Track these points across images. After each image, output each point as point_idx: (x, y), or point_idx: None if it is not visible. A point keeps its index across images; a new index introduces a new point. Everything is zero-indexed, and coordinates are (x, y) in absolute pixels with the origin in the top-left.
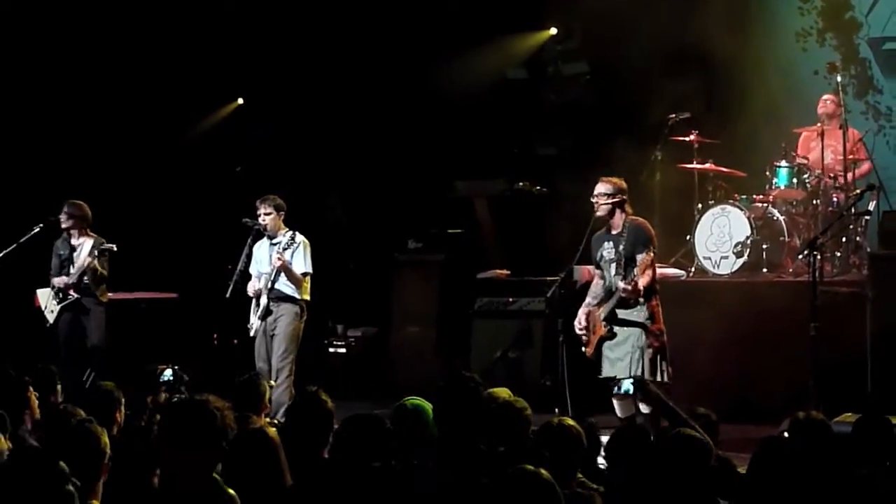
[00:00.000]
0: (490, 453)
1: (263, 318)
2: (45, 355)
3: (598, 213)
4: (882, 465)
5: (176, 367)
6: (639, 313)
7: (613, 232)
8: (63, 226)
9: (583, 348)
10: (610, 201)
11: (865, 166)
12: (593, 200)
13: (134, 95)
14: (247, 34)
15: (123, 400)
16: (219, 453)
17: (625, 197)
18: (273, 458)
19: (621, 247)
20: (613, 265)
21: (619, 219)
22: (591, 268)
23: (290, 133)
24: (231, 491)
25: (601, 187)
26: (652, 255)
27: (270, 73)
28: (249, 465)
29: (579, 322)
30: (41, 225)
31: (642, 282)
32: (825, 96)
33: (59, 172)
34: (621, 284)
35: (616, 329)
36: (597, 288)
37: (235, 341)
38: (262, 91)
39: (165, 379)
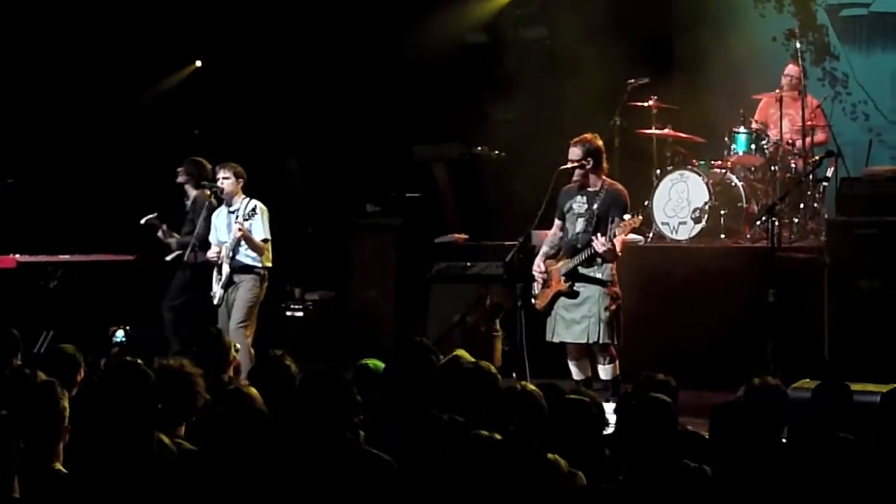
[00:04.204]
0: (450, 423)
1: (226, 287)
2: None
3: (575, 179)
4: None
5: (128, 328)
6: (602, 271)
7: (589, 189)
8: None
9: (532, 300)
10: (583, 166)
11: (822, 135)
12: (574, 165)
13: (91, 55)
14: None
15: (83, 363)
16: (156, 415)
17: (599, 154)
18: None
19: (595, 205)
20: (582, 220)
21: (594, 177)
22: (549, 232)
23: (249, 96)
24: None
25: (573, 152)
26: (639, 217)
27: (229, 35)
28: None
29: (538, 266)
30: None
31: (619, 242)
32: (789, 70)
33: (14, 133)
34: (599, 243)
35: (577, 286)
36: (554, 238)
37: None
38: (221, 53)
39: (118, 340)
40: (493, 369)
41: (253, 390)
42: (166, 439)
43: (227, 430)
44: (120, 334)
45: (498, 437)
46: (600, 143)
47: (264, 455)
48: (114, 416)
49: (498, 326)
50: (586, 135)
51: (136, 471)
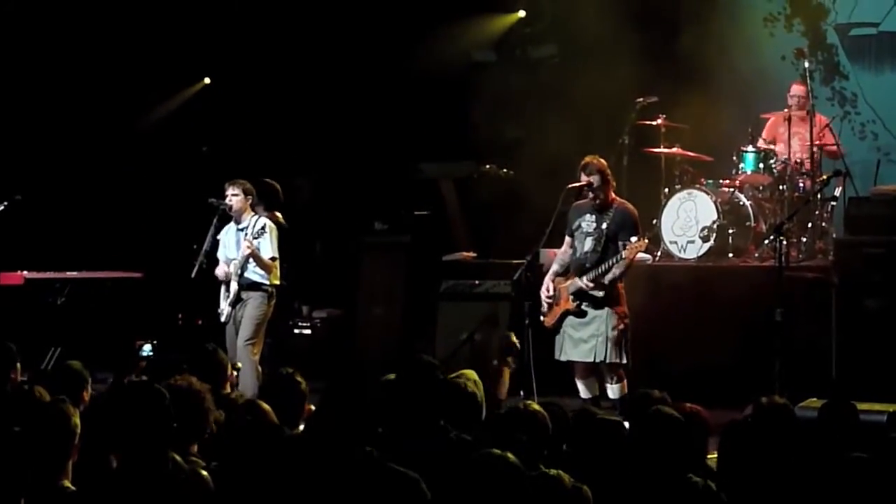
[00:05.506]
0: (459, 440)
1: (233, 304)
2: None
3: (590, 201)
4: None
5: (155, 342)
6: (609, 292)
7: (598, 207)
8: None
9: (541, 318)
10: (601, 188)
11: (835, 149)
12: (583, 183)
13: (101, 72)
14: (214, 13)
15: (90, 379)
16: (171, 434)
17: (608, 175)
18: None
19: (605, 224)
20: (591, 240)
21: (604, 195)
22: (557, 251)
23: (257, 113)
24: (204, 472)
25: (590, 179)
26: (645, 240)
27: (237, 52)
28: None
29: (546, 290)
30: (6, 203)
31: (617, 272)
32: (794, 90)
33: (25, 151)
34: (584, 281)
35: (584, 306)
36: (564, 256)
37: (200, 321)
38: (229, 70)
39: (145, 354)
40: (480, 394)
41: (265, 404)
42: (178, 458)
43: (243, 443)
44: (147, 348)
45: (510, 456)
46: (605, 163)
47: (280, 469)
48: (128, 435)
49: (511, 361)
50: (590, 158)
51: (146, 489)
